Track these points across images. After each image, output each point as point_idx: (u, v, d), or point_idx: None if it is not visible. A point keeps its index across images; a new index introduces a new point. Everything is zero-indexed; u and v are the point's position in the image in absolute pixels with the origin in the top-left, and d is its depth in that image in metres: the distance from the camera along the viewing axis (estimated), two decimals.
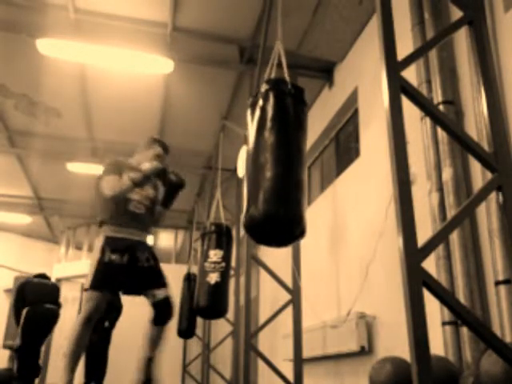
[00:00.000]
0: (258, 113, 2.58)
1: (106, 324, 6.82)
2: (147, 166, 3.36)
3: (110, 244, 3.17)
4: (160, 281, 3.32)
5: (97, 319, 3.14)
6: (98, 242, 3.20)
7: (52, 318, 5.73)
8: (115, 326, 7.03)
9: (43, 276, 6.06)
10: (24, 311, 5.48)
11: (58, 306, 5.86)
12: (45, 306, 5.64)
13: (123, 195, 3.25)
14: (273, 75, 2.98)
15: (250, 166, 2.53)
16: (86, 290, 3.12)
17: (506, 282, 2.66)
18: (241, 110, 6.08)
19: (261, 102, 2.60)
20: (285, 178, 2.41)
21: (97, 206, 3.37)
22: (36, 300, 5.58)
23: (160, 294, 3.25)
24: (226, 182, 7.29)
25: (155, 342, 3.25)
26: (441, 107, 3.26)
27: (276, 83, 2.66)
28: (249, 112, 2.69)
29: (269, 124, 2.51)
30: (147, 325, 3.27)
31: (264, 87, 2.64)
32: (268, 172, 2.40)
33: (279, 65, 3.02)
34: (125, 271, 3.18)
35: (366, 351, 4.16)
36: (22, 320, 5.45)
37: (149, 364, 3.22)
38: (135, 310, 8.75)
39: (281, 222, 2.36)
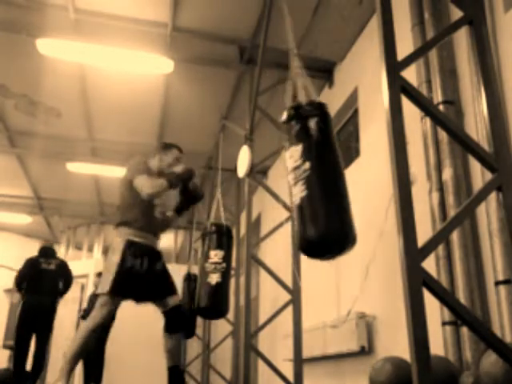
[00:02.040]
0: (302, 135, 2.62)
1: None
2: (180, 168, 3.26)
3: (131, 248, 3.06)
4: (172, 288, 3.28)
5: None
6: (118, 245, 3.07)
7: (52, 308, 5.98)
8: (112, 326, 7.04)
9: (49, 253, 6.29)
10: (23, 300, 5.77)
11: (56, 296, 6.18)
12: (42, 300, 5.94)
13: (156, 197, 3.16)
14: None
15: (307, 188, 2.55)
16: (101, 294, 2.98)
17: (506, 282, 2.66)
18: (241, 110, 6.08)
19: (304, 124, 2.62)
20: (336, 197, 2.51)
21: (121, 205, 3.25)
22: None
23: (171, 301, 3.20)
24: (226, 181, 7.28)
25: (172, 351, 3.18)
26: (441, 107, 3.26)
27: (319, 108, 2.70)
28: (286, 127, 2.69)
29: (317, 149, 2.58)
30: (163, 336, 3.19)
31: (306, 110, 2.65)
32: (325, 193, 2.49)
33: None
34: (143, 278, 3.10)
35: (366, 351, 4.16)
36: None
37: (175, 373, 3.17)
38: (130, 311, 8.79)
39: (339, 240, 2.48)
